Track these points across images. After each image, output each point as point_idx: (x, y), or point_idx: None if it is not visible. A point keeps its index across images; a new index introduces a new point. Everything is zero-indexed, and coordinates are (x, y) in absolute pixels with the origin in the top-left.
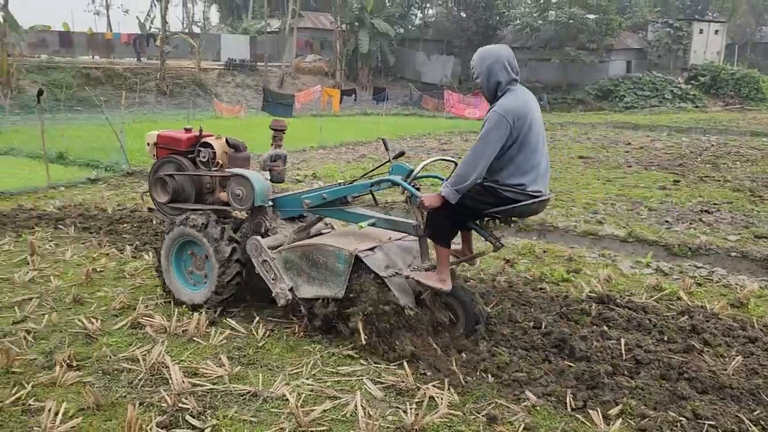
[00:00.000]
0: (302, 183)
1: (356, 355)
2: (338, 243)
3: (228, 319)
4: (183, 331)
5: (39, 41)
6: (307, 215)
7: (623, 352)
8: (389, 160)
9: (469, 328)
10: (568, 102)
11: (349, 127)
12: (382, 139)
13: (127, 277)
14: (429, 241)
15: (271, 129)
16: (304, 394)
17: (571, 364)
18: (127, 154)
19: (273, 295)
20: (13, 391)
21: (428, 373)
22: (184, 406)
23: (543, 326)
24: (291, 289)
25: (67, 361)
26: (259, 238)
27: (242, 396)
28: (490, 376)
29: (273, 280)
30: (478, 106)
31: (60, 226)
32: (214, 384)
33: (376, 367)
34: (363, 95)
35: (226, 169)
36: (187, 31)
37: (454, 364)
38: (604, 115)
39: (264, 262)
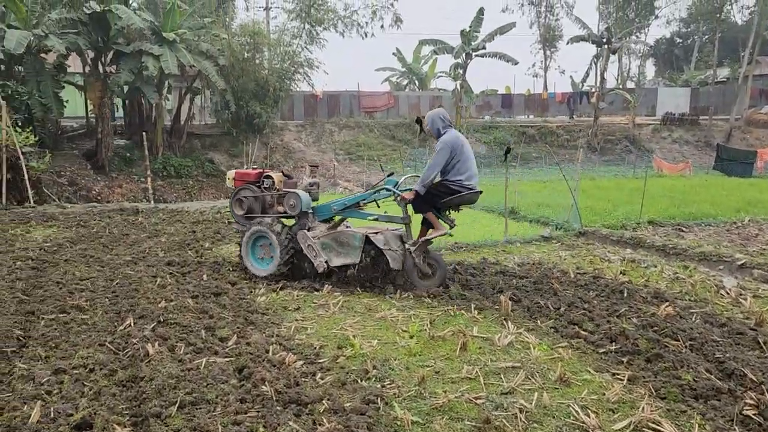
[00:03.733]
0: None
1: None
2: (355, 230)
3: None
4: None
5: (484, 103)
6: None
7: None
8: (384, 178)
9: (441, 281)
10: None
11: None
12: (379, 162)
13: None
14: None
15: (308, 166)
16: None
17: None
18: (579, 212)
19: (315, 266)
20: None
21: None
22: None
23: None
24: (326, 261)
25: None
26: (305, 231)
27: None
28: None
29: (314, 257)
30: None
31: (523, 284)
32: None
33: None
34: None
35: (284, 189)
36: (621, 86)
37: None
38: None
39: (309, 246)
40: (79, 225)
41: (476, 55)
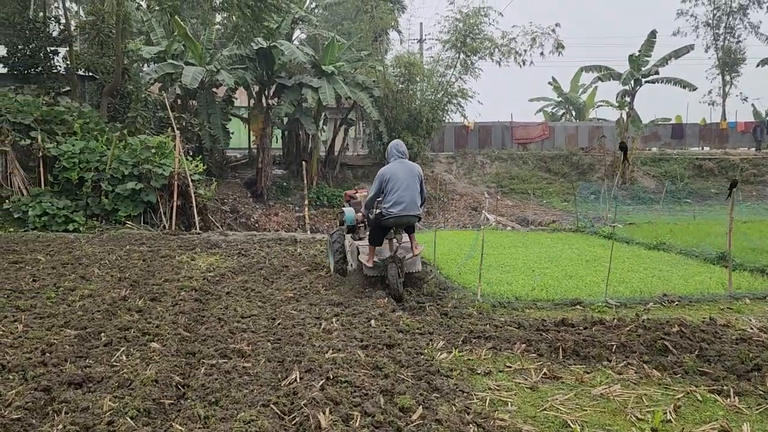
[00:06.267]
0: None
1: None
2: (353, 240)
3: None
4: None
5: (651, 134)
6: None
7: None
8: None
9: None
10: None
11: None
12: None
13: None
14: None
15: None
16: None
17: None
18: None
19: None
20: None
21: None
22: None
23: None
24: (351, 264)
25: None
26: (347, 240)
27: None
28: None
29: (350, 258)
30: None
31: None
32: None
33: None
34: None
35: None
36: None
37: None
38: None
39: (349, 251)
40: (240, 254)
41: (647, 81)
